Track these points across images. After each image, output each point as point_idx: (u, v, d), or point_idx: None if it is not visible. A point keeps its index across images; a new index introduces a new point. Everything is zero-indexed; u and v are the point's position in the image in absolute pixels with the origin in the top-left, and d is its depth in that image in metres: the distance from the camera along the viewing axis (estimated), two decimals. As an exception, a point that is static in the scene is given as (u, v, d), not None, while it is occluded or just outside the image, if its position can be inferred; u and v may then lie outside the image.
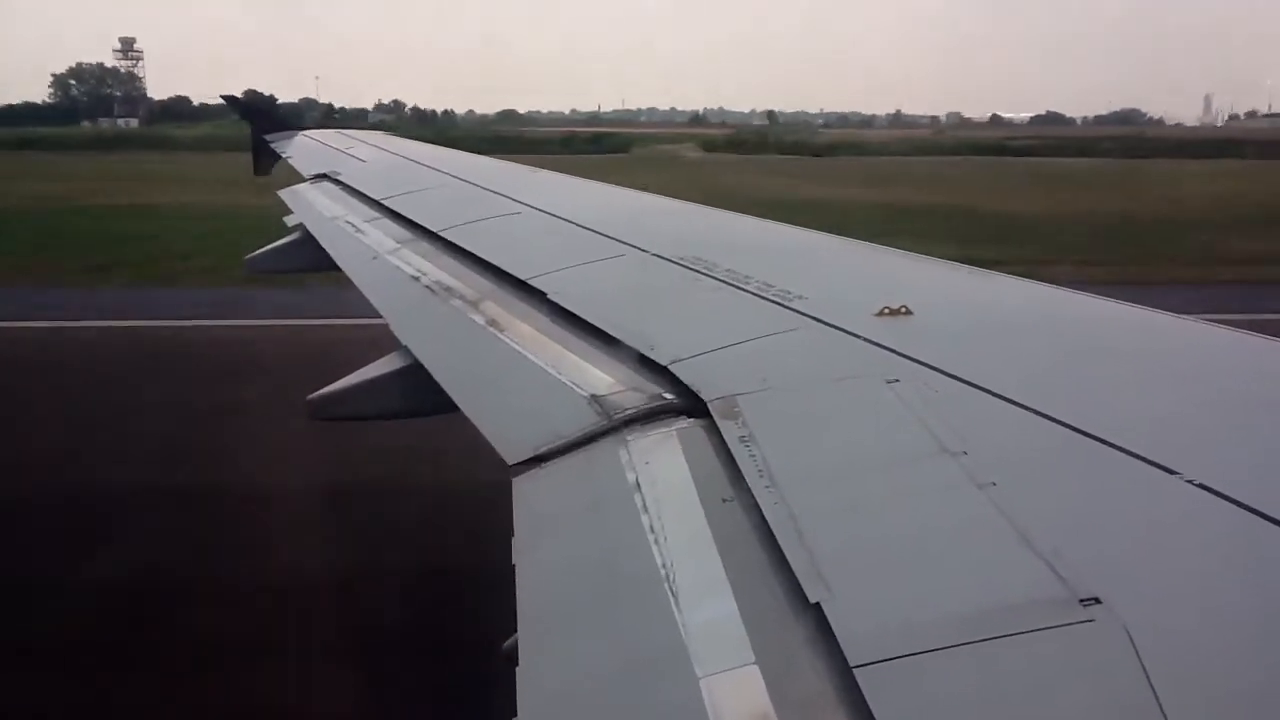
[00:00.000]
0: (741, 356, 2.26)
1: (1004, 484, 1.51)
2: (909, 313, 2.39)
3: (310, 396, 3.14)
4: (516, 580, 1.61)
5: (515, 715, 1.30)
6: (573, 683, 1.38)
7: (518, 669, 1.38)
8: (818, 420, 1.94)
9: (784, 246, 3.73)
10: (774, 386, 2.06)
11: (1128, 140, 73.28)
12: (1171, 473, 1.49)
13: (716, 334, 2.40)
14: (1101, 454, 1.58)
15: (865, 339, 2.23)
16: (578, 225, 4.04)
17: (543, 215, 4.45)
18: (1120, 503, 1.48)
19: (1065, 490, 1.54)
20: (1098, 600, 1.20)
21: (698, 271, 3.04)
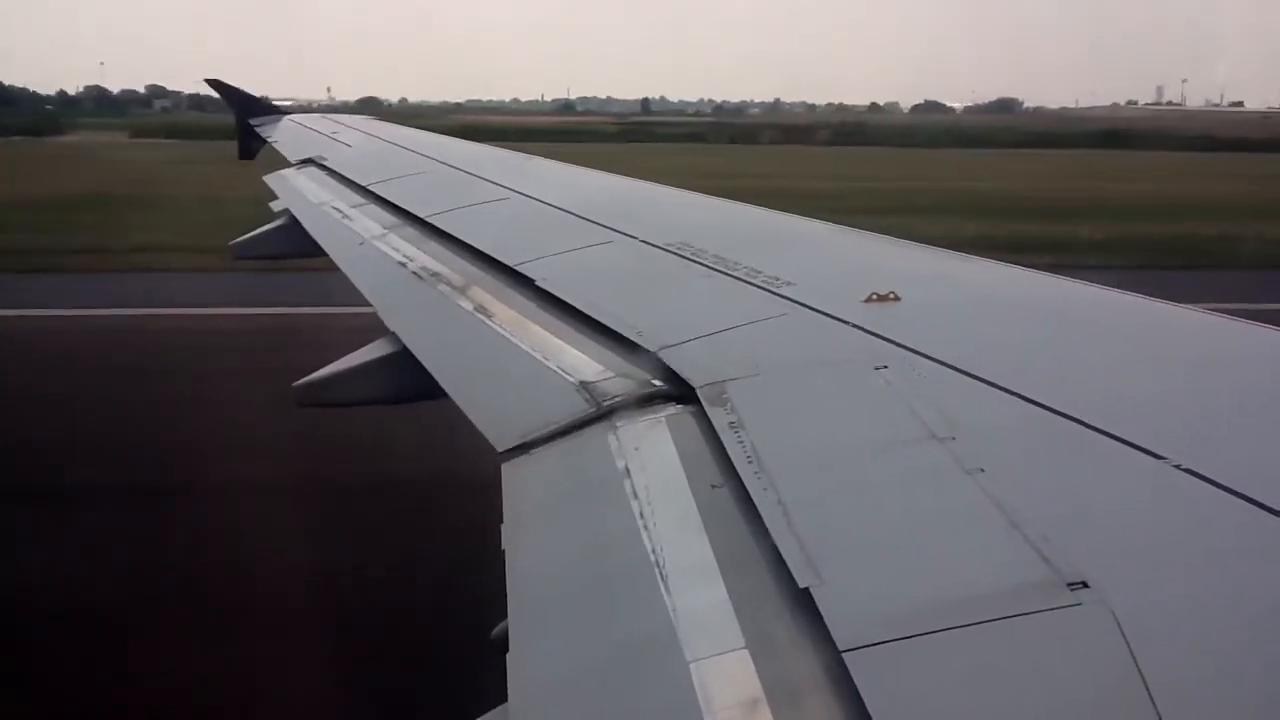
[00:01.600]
0: (730, 343, 2.25)
1: (992, 469, 1.52)
2: (897, 299, 2.39)
3: (296, 383, 3.13)
4: (506, 566, 1.61)
5: (505, 701, 1.30)
6: (563, 668, 1.38)
7: (508, 655, 1.38)
8: (806, 406, 1.95)
9: (772, 233, 3.72)
10: (762, 372, 2.06)
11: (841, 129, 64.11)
12: (1158, 458, 1.50)
13: (705, 320, 2.40)
14: (1089, 439, 1.59)
15: (853, 325, 2.23)
16: (566, 211, 4.02)
17: (531, 201, 4.43)
18: (1107, 488, 1.49)
19: (1053, 475, 1.55)
20: (1085, 584, 1.20)
21: (686, 258, 3.03)
